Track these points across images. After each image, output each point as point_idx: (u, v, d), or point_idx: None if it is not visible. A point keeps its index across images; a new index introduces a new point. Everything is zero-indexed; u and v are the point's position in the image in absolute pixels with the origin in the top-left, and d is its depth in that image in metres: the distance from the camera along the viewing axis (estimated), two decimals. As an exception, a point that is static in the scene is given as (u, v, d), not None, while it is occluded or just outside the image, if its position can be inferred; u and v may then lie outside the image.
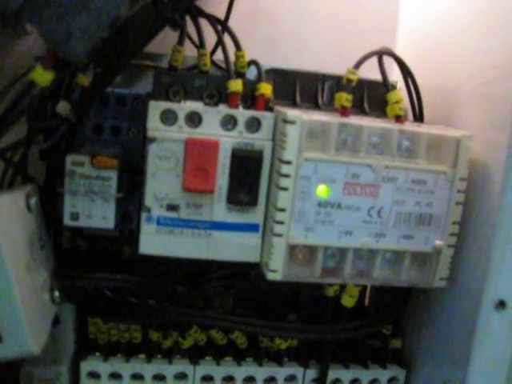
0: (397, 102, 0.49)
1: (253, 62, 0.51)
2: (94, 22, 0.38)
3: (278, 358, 0.57)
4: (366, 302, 0.60)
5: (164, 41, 0.52)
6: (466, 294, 0.51)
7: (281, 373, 0.57)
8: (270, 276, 0.48)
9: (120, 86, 0.55)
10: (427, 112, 0.55)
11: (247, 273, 0.54)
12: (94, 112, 0.53)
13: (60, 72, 0.41)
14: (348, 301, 0.53)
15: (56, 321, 0.54)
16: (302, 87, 0.56)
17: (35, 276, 0.45)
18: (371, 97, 0.57)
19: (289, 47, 0.65)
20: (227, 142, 0.47)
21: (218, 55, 0.53)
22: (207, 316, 0.53)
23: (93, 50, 0.40)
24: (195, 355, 0.56)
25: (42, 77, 0.41)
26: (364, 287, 0.57)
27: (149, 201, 0.48)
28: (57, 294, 0.48)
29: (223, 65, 0.53)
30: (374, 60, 0.51)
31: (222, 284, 0.54)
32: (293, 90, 0.56)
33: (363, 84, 0.55)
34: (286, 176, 0.46)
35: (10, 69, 0.52)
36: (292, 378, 0.57)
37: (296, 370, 0.57)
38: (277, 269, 0.47)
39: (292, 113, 0.46)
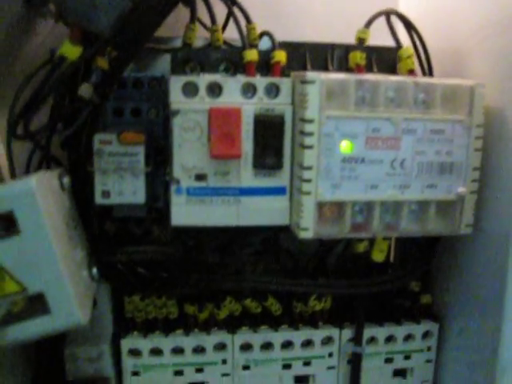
0: (408, 57, 0.51)
1: (265, 33, 0.53)
2: (118, -6, 0.40)
3: (312, 322, 0.58)
4: (391, 258, 0.61)
5: (173, 25, 0.53)
6: (492, 241, 0.52)
7: (317, 335, 0.58)
8: (302, 234, 0.49)
9: (135, 71, 0.57)
10: (435, 70, 0.56)
11: (276, 238, 0.55)
12: (113, 96, 0.54)
13: (88, 47, 0.43)
14: (378, 255, 0.54)
15: (94, 304, 0.55)
16: (311, 58, 0.57)
17: (74, 253, 0.46)
18: (379, 61, 0.58)
19: (294, 21, 0.67)
20: (249, 108, 0.48)
21: (227, 34, 0.55)
22: (241, 280, 0.54)
23: (116, 22, 0.41)
24: (232, 326, 0.57)
25: (71, 51, 0.42)
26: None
27: (177, 172, 0.49)
28: (95, 270, 0.50)
29: (233, 42, 0.55)
30: (378, 26, 0.52)
31: (253, 251, 0.55)
32: (303, 61, 0.57)
33: (370, 50, 0.56)
34: (310, 134, 0.47)
35: (35, 53, 0.53)
36: (328, 339, 0.58)
37: (332, 331, 0.58)
38: (308, 227, 0.48)
39: (311, 73, 0.47)
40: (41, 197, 0.40)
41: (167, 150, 0.51)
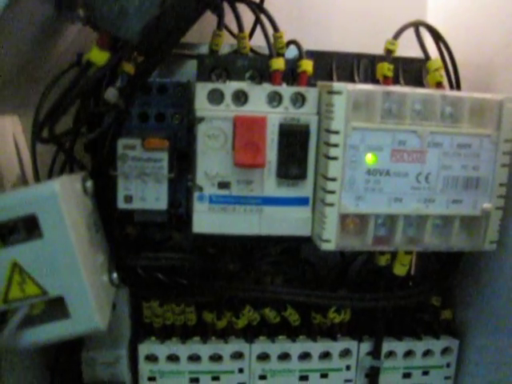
0: (437, 70, 0.50)
1: (292, 42, 0.52)
2: (147, 0, 0.40)
3: (331, 334, 0.58)
4: (413, 271, 0.60)
5: (199, 32, 0.53)
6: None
7: (335, 347, 0.57)
8: (324, 246, 0.48)
9: (160, 76, 0.57)
10: (462, 83, 0.56)
11: (297, 249, 0.55)
12: (138, 101, 0.54)
13: (115, 52, 0.43)
14: (400, 269, 0.53)
15: (112, 307, 0.55)
16: (338, 67, 0.57)
17: (95, 257, 0.46)
18: (405, 72, 0.57)
19: (321, 30, 0.66)
20: (274, 117, 0.48)
21: (254, 41, 0.55)
22: (261, 290, 0.54)
23: (145, 29, 0.41)
24: (250, 335, 0.57)
25: (98, 56, 0.42)
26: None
27: (200, 180, 0.49)
28: (115, 275, 0.49)
29: (260, 50, 0.54)
30: (405, 38, 0.52)
31: (273, 261, 0.55)
32: (329, 70, 0.57)
33: (397, 60, 0.56)
34: (335, 146, 0.47)
35: (62, 57, 0.53)
36: (346, 352, 0.58)
37: (350, 343, 0.58)
38: (330, 239, 0.48)
39: (337, 84, 0.47)
40: (64, 200, 0.39)
41: (190, 157, 0.51)
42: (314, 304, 0.55)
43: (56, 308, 0.41)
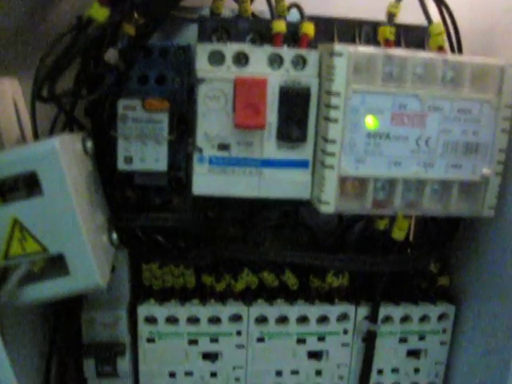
0: (439, 34, 0.50)
1: (293, 5, 0.52)
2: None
3: (329, 298, 0.58)
4: (411, 238, 0.61)
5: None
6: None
7: (333, 311, 0.58)
8: (323, 209, 0.48)
9: (161, 39, 0.56)
10: (464, 49, 0.55)
11: (296, 213, 0.55)
12: (138, 64, 0.54)
13: (115, 9, 0.42)
14: (398, 234, 0.53)
15: (112, 269, 0.55)
16: (339, 33, 0.56)
17: (95, 216, 0.46)
18: (407, 39, 0.57)
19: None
20: (275, 79, 0.48)
21: (255, 6, 0.54)
22: (260, 251, 0.54)
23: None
24: (248, 298, 0.57)
25: (99, 12, 0.42)
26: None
27: (200, 141, 0.49)
28: (115, 235, 0.50)
29: (261, 15, 0.54)
30: (405, 4, 0.51)
31: (273, 225, 0.55)
32: (331, 36, 0.56)
33: (399, 27, 0.55)
34: (335, 108, 0.47)
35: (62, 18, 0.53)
36: (344, 316, 0.58)
37: (348, 308, 0.58)
38: (329, 201, 0.48)
39: (339, 45, 0.46)
40: (64, 158, 0.40)
41: (190, 120, 0.51)
42: (312, 266, 0.55)
43: (56, 266, 0.42)
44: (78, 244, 0.41)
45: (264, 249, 0.54)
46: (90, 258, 0.42)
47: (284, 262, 0.54)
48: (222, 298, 0.57)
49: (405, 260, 0.55)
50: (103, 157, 0.50)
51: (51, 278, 0.42)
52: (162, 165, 0.50)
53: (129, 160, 0.50)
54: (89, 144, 0.47)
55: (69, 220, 0.40)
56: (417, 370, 0.62)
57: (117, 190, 0.54)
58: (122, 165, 0.50)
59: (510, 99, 0.49)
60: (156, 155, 0.50)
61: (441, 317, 0.60)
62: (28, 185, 0.41)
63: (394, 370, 0.61)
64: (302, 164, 0.50)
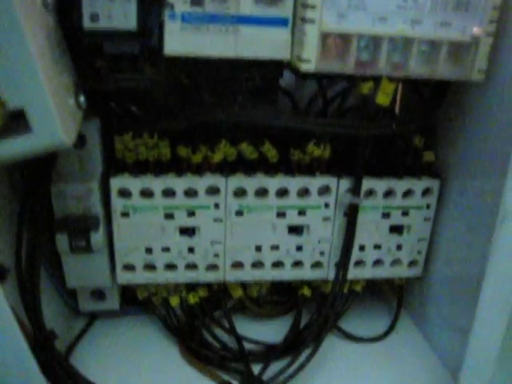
0: None
1: None
2: None
3: (310, 171, 0.56)
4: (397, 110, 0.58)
5: None
6: (504, 93, 0.49)
7: (314, 184, 0.56)
8: (304, 67, 0.46)
9: None
10: None
11: (276, 79, 0.52)
12: None
13: None
14: (383, 98, 0.50)
15: (83, 141, 0.53)
16: None
17: (60, 77, 0.43)
18: None
19: None
20: None
21: None
22: (238, 115, 0.51)
23: None
24: (226, 170, 0.55)
25: None
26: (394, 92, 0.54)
27: (172, -5, 0.45)
28: (82, 98, 0.47)
29: None
30: None
31: (251, 90, 0.52)
32: None
33: None
34: (316, -45, 0.43)
35: None
36: (326, 189, 0.57)
37: (329, 180, 0.56)
38: (310, 59, 0.45)
39: None
40: (18, 5, 0.36)
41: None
42: (294, 131, 0.52)
43: (18, 122, 0.39)
44: (40, 99, 0.38)
45: (242, 111, 0.51)
46: (52, 113, 0.39)
47: (264, 127, 0.51)
48: (199, 170, 0.54)
49: (388, 125, 0.52)
50: (67, 13, 0.46)
51: (13, 136, 0.39)
52: (131, 22, 0.47)
53: (95, 17, 0.46)
54: (49, -1, 0.43)
55: (28, 72, 0.37)
56: (399, 247, 0.61)
57: (86, 59, 0.50)
58: (87, 23, 0.46)
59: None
60: (124, 11, 0.46)
61: (425, 192, 0.59)
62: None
63: (377, 247, 0.60)
64: (281, 22, 0.47)
